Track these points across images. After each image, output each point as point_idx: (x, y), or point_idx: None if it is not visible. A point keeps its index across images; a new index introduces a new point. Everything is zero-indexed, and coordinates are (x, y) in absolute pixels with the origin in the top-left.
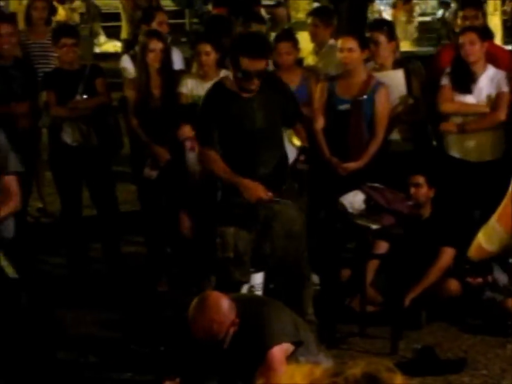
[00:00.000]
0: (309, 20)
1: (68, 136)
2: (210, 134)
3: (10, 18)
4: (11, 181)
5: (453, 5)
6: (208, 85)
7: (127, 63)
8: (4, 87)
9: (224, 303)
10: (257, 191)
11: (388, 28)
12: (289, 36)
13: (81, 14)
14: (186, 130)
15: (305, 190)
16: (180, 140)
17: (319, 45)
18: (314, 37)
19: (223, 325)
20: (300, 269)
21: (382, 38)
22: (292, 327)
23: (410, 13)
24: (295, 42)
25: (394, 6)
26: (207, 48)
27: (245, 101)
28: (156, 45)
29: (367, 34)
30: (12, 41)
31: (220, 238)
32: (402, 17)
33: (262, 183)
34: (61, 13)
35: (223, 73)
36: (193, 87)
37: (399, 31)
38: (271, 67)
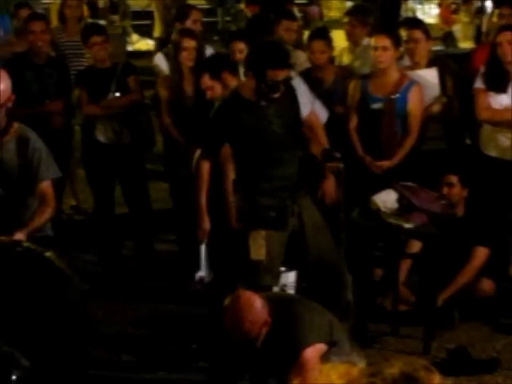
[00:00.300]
0: (346, 19)
1: (101, 134)
2: (216, 145)
3: (42, 16)
4: (46, 187)
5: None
6: None
7: (160, 61)
8: (38, 85)
9: (257, 302)
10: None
11: (424, 26)
12: (323, 34)
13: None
14: None
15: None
16: None
17: (354, 44)
18: (350, 36)
19: (255, 324)
20: (334, 259)
21: (420, 36)
22: (325, 327)
23: (470, 12)
24: (329, 41)
25: (439, 5)
26: (241, 46)
27: (263, 109)
28: (189, 43)
29: (402, 32)
30: (45, 39)
31: (252, 241)
32: (464, 18)
33: (281, 191)
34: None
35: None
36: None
37: (461, 31)
38: (307, 64)
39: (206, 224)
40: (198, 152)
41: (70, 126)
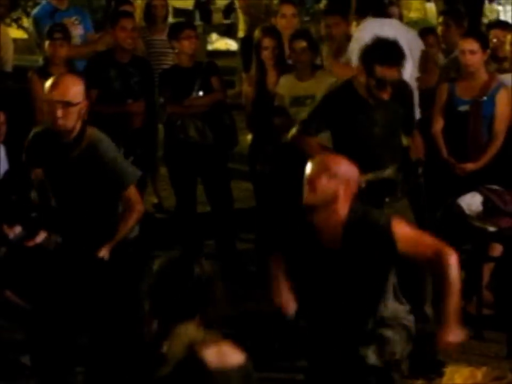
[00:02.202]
0: (440, 19)
1: (184, 133)
2: (316, 126)
3: (131, 14)
4: (129, 193)
5: None
6: (304, 86)
7: None
8: (120, 83)
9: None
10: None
11: None
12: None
13: None
14: None
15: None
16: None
17: (449, 45)
18: (444, 37)
19: None
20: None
21: None
22: None
23: None
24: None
25: None
26: (302, 44)
27: (371, 108)
28: (270, 42)
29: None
30: (134, 36)
31: None
32: None
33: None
34: None
35: (319, 73)
36: (290, 87)
37: None
38: None
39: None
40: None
41: (154, 125)
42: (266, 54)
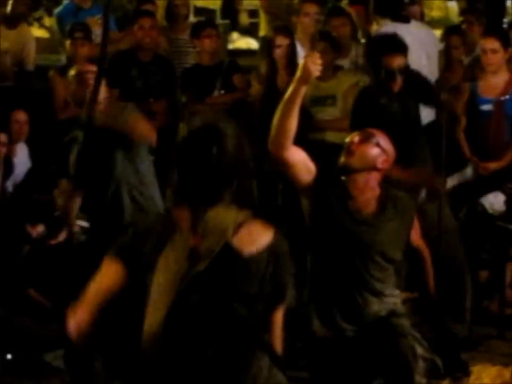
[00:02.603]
0: (462, 18)
1: None
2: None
3: (151, 12)
4: None
5: None
6: (325, 86)
7: None
8: (142, 82)
9: None
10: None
11: None
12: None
13: None
14: None
15: None
16: None
17: (470, 44)
18: (466, 36)
19: None
20: (458, 262)
21: None
22: None
23: None
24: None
25: None
26: (324, 45)
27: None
28: (283, 41)
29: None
30: (153, 35)
31: None
32: None
33: None
34: None
35: (340, 74)
36: (309, 88)
37: None
38: None
39: None
40: None
41: (176, 124)
42: (278, 53)
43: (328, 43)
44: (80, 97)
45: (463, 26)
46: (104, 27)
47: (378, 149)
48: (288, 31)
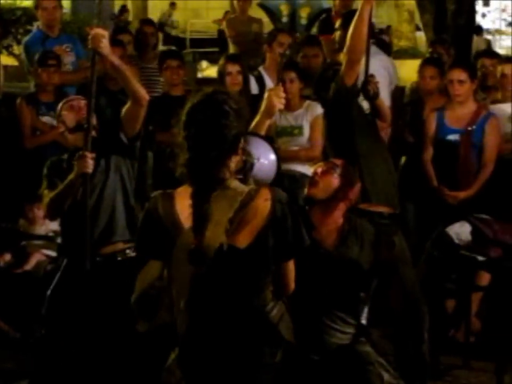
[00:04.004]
0: (430, 49)
1: (173, 162)
2: None
3: (120, 41)
4: None
5: None
6: (292, 116)
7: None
8: (111, 111)
9: None
10: None
11: None
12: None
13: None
14: None
15: None
16: None
17: None
18: None
19: None
20: (415, 294)
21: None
22: None
23: None
24: (440, 69)
25: None
26: (292, 75)
27: None
28: (232, 68)
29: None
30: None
31: None
32: None
33: None
34: None
35: (307, 104)
36: (277, 118)
37: None
38: None
39: None
40: None
41: (145, 153)
42: (229, 80)
43: (296, 73)
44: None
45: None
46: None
47: (342, 180)
48: (238, 58)
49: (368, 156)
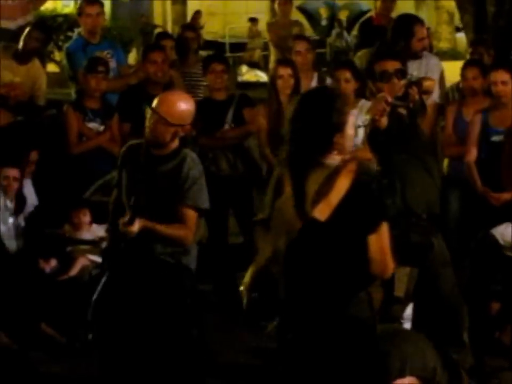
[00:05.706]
0: (470, 49)
1: (215, 166)
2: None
3: (161, 47)
4: (188, 215)
5: None
6: None
7: None
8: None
9: None
10: None
11: None
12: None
13: None
14: None
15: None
16: None
17: None
18: None
19: None
20: (455, 297)
21: None
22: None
23: None
24: (482, 70)
25: None
26: (347, 74)
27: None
28: (284, 71)
29: None
30: (164, 69)
31: (396, 277)
32: None
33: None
34: None
35: (362, 103)
36: None
37: None
38: None
39: None
40: None
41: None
42: (280, 83)
43: (351, 72)
44: None
45: (475, 57)
46: None
47: None
48: (290, 62)
49: (404, 159)
